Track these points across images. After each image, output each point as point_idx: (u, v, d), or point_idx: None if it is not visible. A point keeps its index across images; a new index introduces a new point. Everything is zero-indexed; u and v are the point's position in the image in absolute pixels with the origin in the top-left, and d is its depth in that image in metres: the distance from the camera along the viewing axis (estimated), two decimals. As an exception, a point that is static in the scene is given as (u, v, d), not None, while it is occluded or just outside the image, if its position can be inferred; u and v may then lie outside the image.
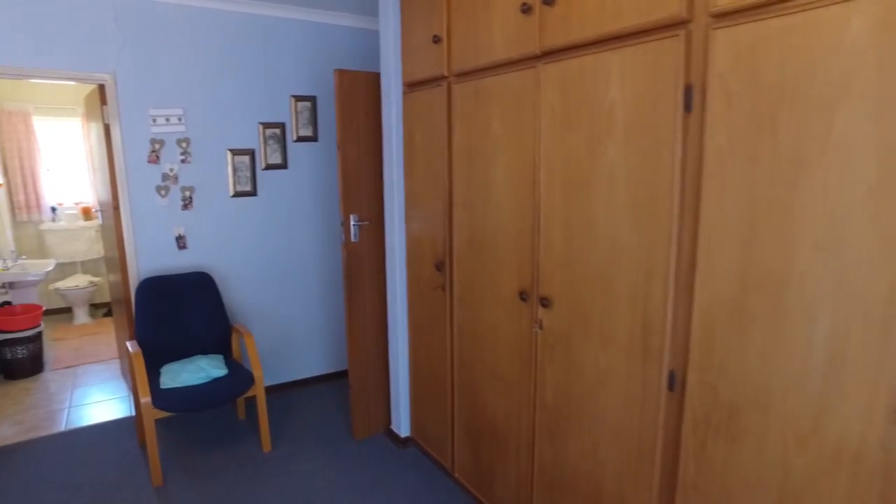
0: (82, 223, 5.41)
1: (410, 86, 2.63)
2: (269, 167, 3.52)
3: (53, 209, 5.37)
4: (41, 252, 5.35)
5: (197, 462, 2.91)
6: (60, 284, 4.98)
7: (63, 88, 5.32)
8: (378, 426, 3.19)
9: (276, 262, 3.63)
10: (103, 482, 2.72)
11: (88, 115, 3.92)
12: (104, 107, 3.05)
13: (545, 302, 1.90)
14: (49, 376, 4.05)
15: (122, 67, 3.03)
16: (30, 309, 4.11)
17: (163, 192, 3.21)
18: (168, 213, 3.25)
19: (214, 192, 3.37)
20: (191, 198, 3.29)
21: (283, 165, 3.57)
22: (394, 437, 3.09)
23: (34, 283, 4.15)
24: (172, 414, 2.70)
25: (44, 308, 5.38)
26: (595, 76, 1.62)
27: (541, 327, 1.94)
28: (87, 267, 5.48)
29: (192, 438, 3.15)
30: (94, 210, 5.36)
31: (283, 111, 3.53)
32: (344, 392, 3.66)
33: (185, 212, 3.29)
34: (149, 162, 3.15)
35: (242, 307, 3.56)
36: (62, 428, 3.27)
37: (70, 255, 5.38)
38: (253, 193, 3.49)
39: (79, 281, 5.09)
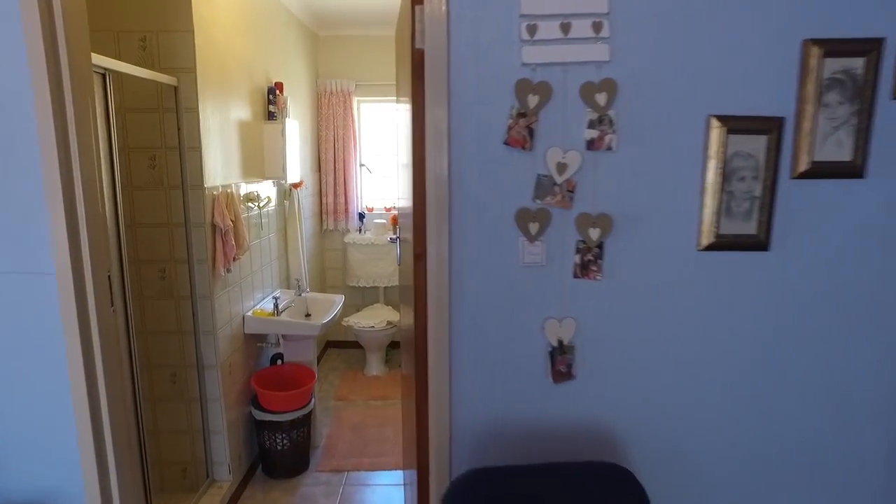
0: (392, 236, 4.04)
1: None
2: (812, 170, 1.19)
3: (361, 216, 4.14)
4: (344, 270, 4.19)
5: None
6: (354, 321, 3.66)
7: (390, 57, 4.01)
8: None
9: (805, 437, 1.29)
10: None
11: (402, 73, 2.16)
12: (416, 8, 1.17)
13: None
14: (309, 486, 2.57)
15: None
16: (300, 377, 2.71)
17: (534, 227, 1.19)
18: (538, 280, 1.22)
19: (660, 230, 1.21)
20: (600, 246, 1.20)
21: (856, 170, 1.19)
22: None
23: (311, 337, 2.76)
24: None
25: (330, 341, 4.26)
26: None
27: None
28: (390, 295, 4.12)
29: None
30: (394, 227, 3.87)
31: (870, 13, 1.16)
32: None
33: (581, 281, 1.22)
34: (507, 143, 1.17)
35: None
36: None
37: (372, 277, 4.08)
38: (759, 242, 1.22)
39: (375, 319, 3.69)
